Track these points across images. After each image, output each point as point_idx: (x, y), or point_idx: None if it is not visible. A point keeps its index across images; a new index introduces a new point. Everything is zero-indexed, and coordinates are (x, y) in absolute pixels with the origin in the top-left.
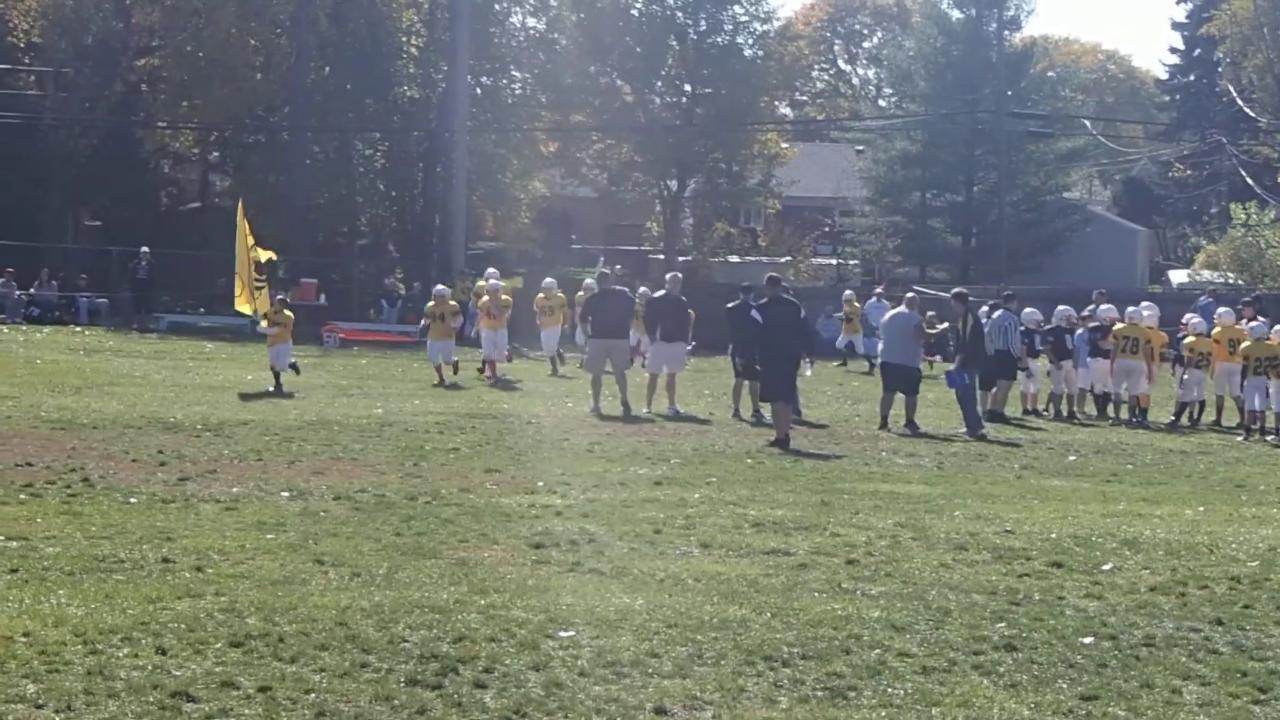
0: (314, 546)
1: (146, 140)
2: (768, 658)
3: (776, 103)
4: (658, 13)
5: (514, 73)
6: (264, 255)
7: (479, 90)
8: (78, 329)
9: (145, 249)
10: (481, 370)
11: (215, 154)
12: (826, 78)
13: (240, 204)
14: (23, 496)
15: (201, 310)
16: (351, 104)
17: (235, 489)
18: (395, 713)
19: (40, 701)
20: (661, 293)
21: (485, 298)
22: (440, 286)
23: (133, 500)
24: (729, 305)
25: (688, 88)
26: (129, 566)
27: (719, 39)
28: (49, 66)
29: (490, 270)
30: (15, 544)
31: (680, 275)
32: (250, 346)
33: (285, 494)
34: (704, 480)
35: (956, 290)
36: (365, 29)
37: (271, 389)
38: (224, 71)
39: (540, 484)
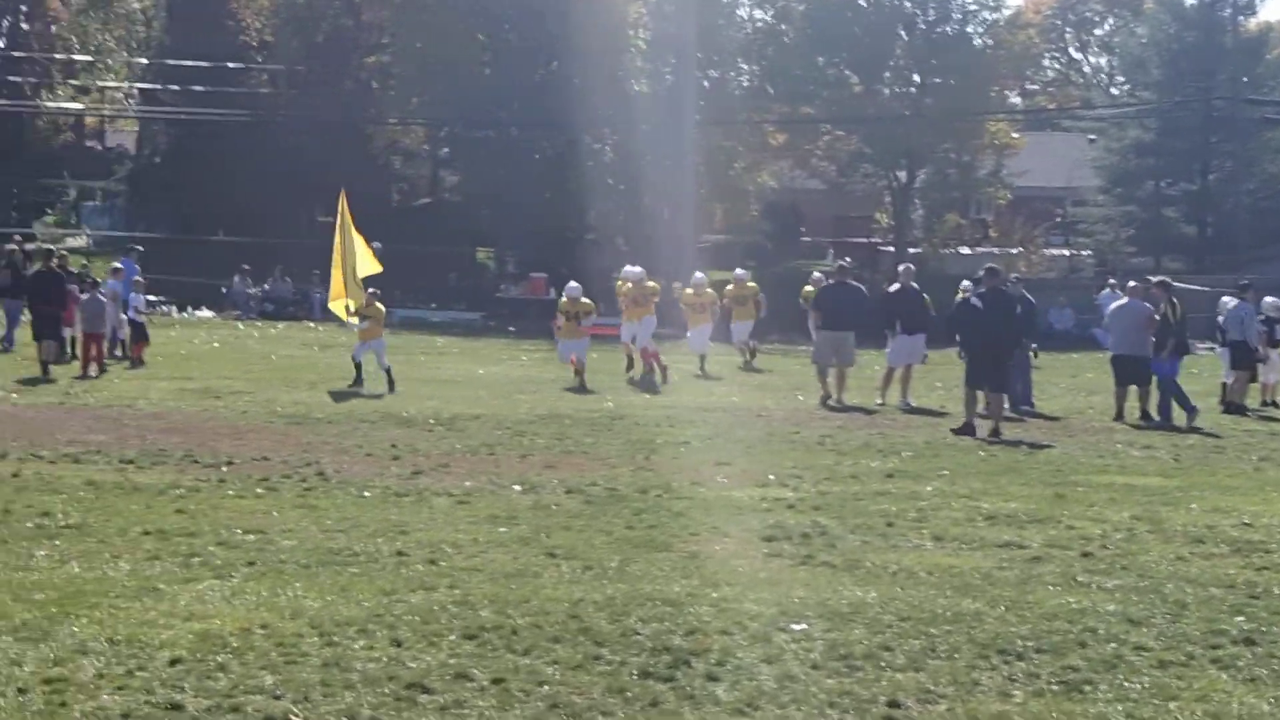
0: (546, 540)
1: (377, 137)
2: (1002, 651)
3: (1006, 92)
4: (885, 3)
5: (742, 65)
6: (372, 263)
7: (706, 83)
8: (311, 324)
9: (377, 244)
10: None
11: (445, 150)
12: (1057, 66)
13: (342, 195)
14: (259, 490)
15: (433, 305)
16: (579, 99)
17: (468, 483)
18: (628, 705)
19: (278, 692)
20: (896, 286)
21: (629, 285)
22: (573, 284)
23: (367, 494)
24: (959, 298)
25: (916, 78)
26: (364, 560)
27: (947, 28)
28: (281, 65)
29: (629, 268)
30: (252, 537)
31: (912, 266)
32: (482, 341)
33: (517, 487)
34: (936, 473)
35: (1159, 279)
36: (592, 24)
37: (351, 384)
38: (452, 68)
39: (771, 477)
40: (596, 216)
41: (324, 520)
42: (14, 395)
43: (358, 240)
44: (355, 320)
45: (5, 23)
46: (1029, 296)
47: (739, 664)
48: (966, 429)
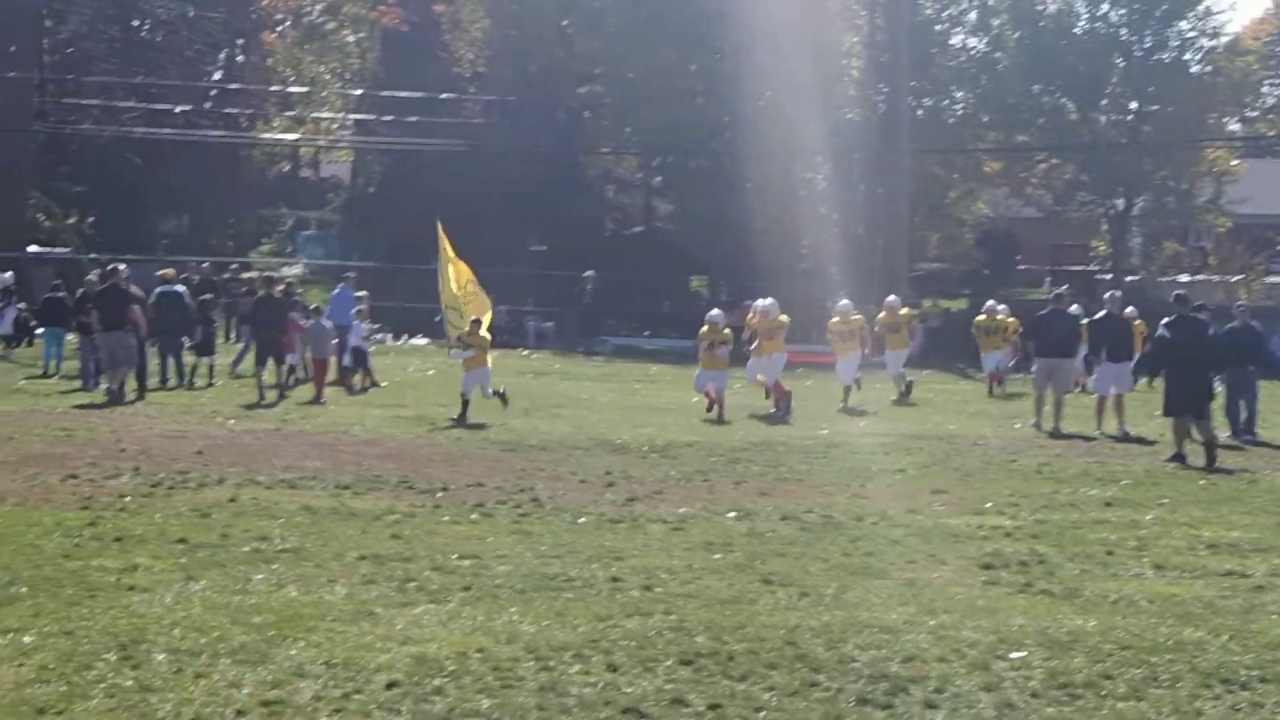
0: (761, 566)
1: (590, 166)
2: (1225, 680)
3: (1225, 119)
4: (1101, 30)
5: (955, 93)
6: (478, 301)
7: (920, 111)
8: (525, 352)
9: (590, 272)
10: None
11: (658, 179)
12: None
13: (440, 225)
14: (474, 516)
15: (646, 333)
16: (792, 127)
17: (682, 509)
18: None
19: (495, 716)
20: (1103, 313)
21: (755, 318)
22: (715, 312)
23: (581, 520)
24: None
25: (1133, 105)
26: (579, 585)
27: (1164, 56)
28: (493, 95)
29: (760, 301)
30: (468, 562)
31: (1119, 294)
32: (695, 369)
33: (732, 514)
34: (1156, 501)
35: None
36: (805, 53)
37: (455, 418)
38: (665, 97)
39: (989, 504)
40: (809, 245)
41: (539, 546)
42: (231, 421)
43: (457, 272)
44: (459, 350)
45: (222, 55)
46: (1254, 324)
47: (957, 692)
48: (1177, 458)
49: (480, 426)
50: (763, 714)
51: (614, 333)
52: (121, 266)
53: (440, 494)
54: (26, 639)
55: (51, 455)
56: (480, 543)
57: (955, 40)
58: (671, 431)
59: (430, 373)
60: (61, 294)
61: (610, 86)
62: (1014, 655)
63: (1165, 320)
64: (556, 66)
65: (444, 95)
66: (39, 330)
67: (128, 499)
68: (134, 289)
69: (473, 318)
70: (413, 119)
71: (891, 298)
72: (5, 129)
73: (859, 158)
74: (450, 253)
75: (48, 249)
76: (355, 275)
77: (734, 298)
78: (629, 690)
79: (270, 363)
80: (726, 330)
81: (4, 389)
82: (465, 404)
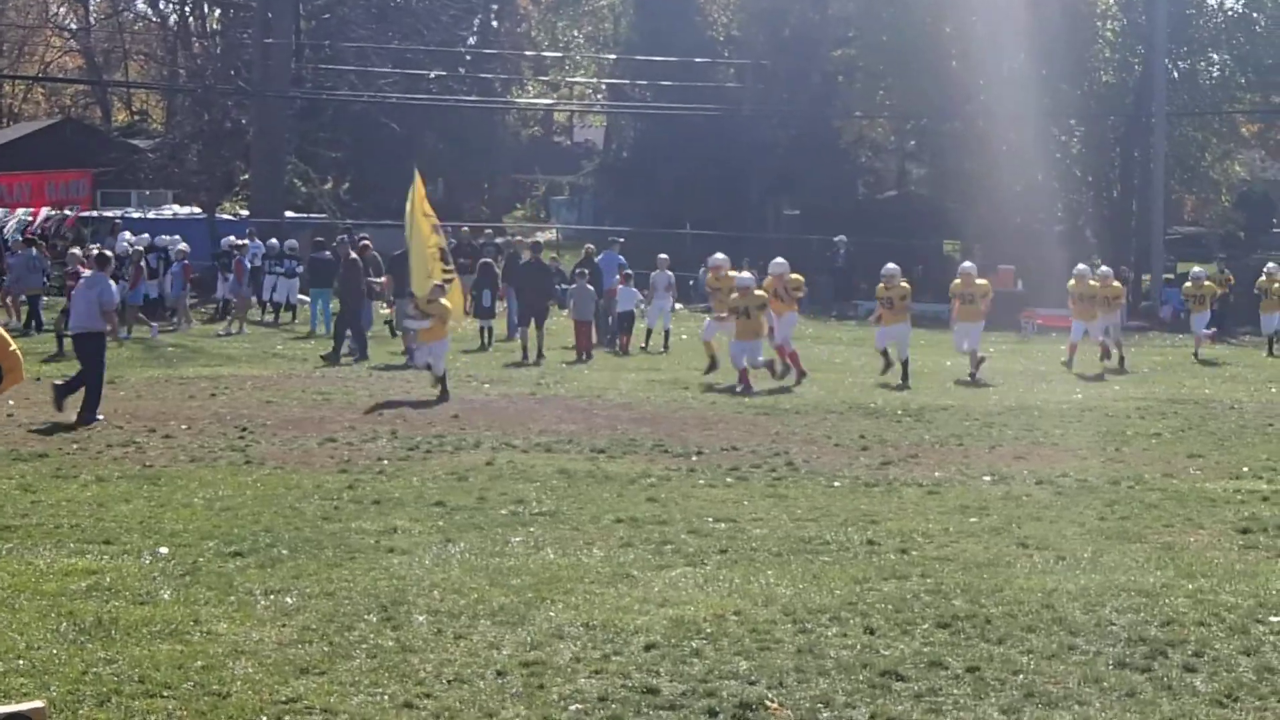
0: (1017, 530)
1: (844, 130)
2: None
3: None
4: None
5: (1212, 55)
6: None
7: (1176, 74)
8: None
9: (843, 237)
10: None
11: (912, 143)
12: None
13: (417, 173)
14: (729, 480)
15: None
16: (1047, 90)
17: (937, 473)
18: (1104, 695)
19: (753, 678)
20: None
21: (770, 279)
22: (745, 275)
23: (836, 484)
24: None
25: None
26: (834, 548)
27: None
28: (748, 59)
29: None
30: (724, 525)
31: None
32: (950, 334)
33: (987, 478)
34: None
35: None
36: (1061, 14)
37: (437, 394)
38: (919, 60)
39: (1245, 469)
40: (1064, 208)
41: (794, 509)
42: (486, 385)
43: (424, 232)
44: (416, 318)
45: (476, 21)
46: None
47: (1216, 655)
48: None
49: (728, 391)
50: (1020, 677)
51: (867, 297)
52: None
53: (695, 458)
54: (289, 600)
55: (310, 419)
56: (735, 506)
57: (1212, 2)
58: (925, 395)
59: (684, 337)
60: (327, 254)
61: (864, 50)
62: (1273, 619)
63: None
64: (810, 30)
65: (698, 59)
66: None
67: (385, 462)
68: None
69: (436, 282)
70: (666, 83)
71: (966, 264)
72: (265, 94)
73: (1114, 120)
74: (424, 208)
75: (304, 214)
76: (622, 240)
77: (988, 261)
78: (886, 653)
79: (532, 324)
80: (759, 292)
81: (264, 353)
82: (442, 381)
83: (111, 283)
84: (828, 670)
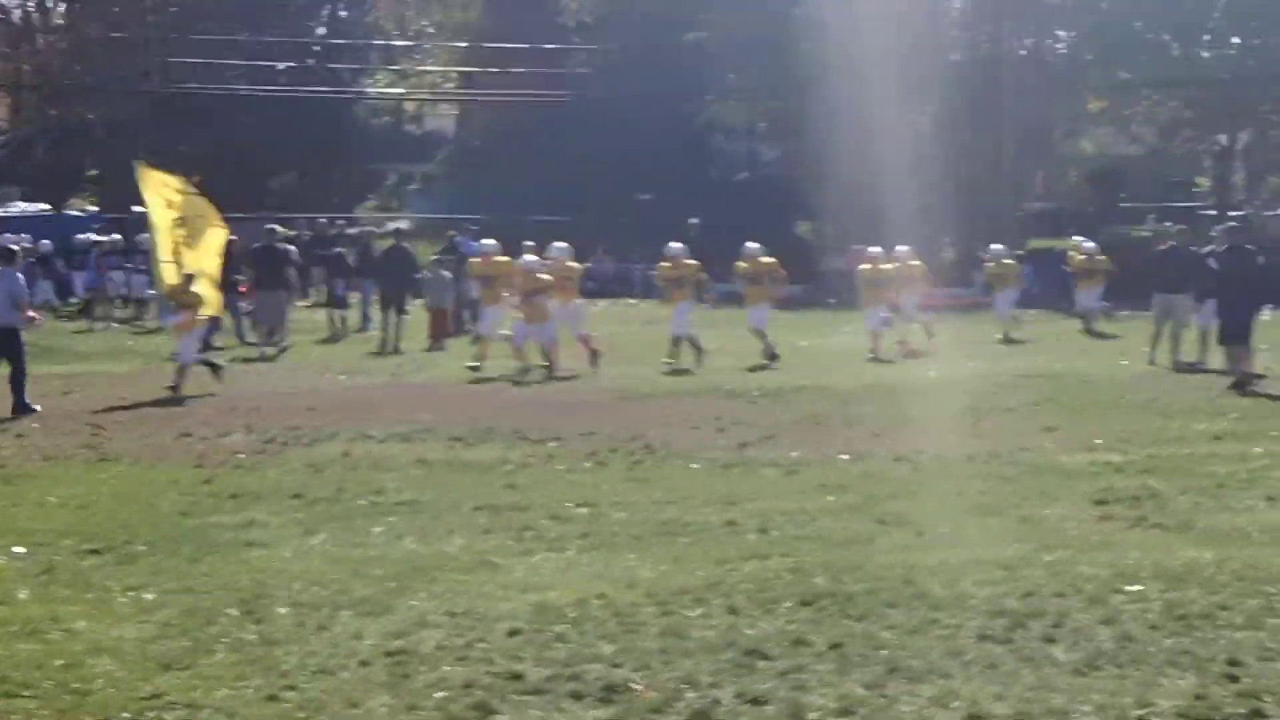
0: (876, 507)
1: (696, 114)
2: None
3: None
4: None
5: (1058, 32)
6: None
7: (1023, 51)
8: (632, 301)
9: (694, 220)
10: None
11: (763, 124)
12: None
13: (141, 166)
14: (588, 465)
15: None
16: (896, 70)
17: (794, 453)
18: (966, 667)
19: (617, 661)
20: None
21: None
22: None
23: (694, 466)
24: None
25: (1236, 39)
26: (695, 530)
27: None
28: (597, 45)
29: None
30: (584, 510)
31: (1185, 228)
32: (802, 314)
33: (844, 457)
34: (1265, 434)
35: None
36: None
37: (216, 380)
38: (770, 43)
39: (1099, 441)
40: (916, 187)
41: (653, 492)
42: (342, 376)
43: (163, 218)
44: (171, 311)
45: (325, 10)
46: None
47: (1076, 625)
48: (1244, 383)
49: (571, 377)
50: (884, 652)
51: (721, 279)
52: (278, 229)
53: (553, 443)
54: (148, 596)
55: (164, 414)
56: (595, 490)
57: None
58: (781, 376)
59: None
60: None
61: (714, 33)
62: (1130, 588)
63: (1217, 251)
64: (660, 15)
65: (548, 46)
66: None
67: (241, 456)
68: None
69: (187, 271)
70: (517, 70)
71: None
72: (114, 90)
73: (964, 99)
74: (167, 197)
75: None
76: (475, 228)
77: (840, 241)
78: (750, 632)
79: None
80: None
81: (117, 349)
82: (214, 367)
83: (20, 276)
84: (692, 651)
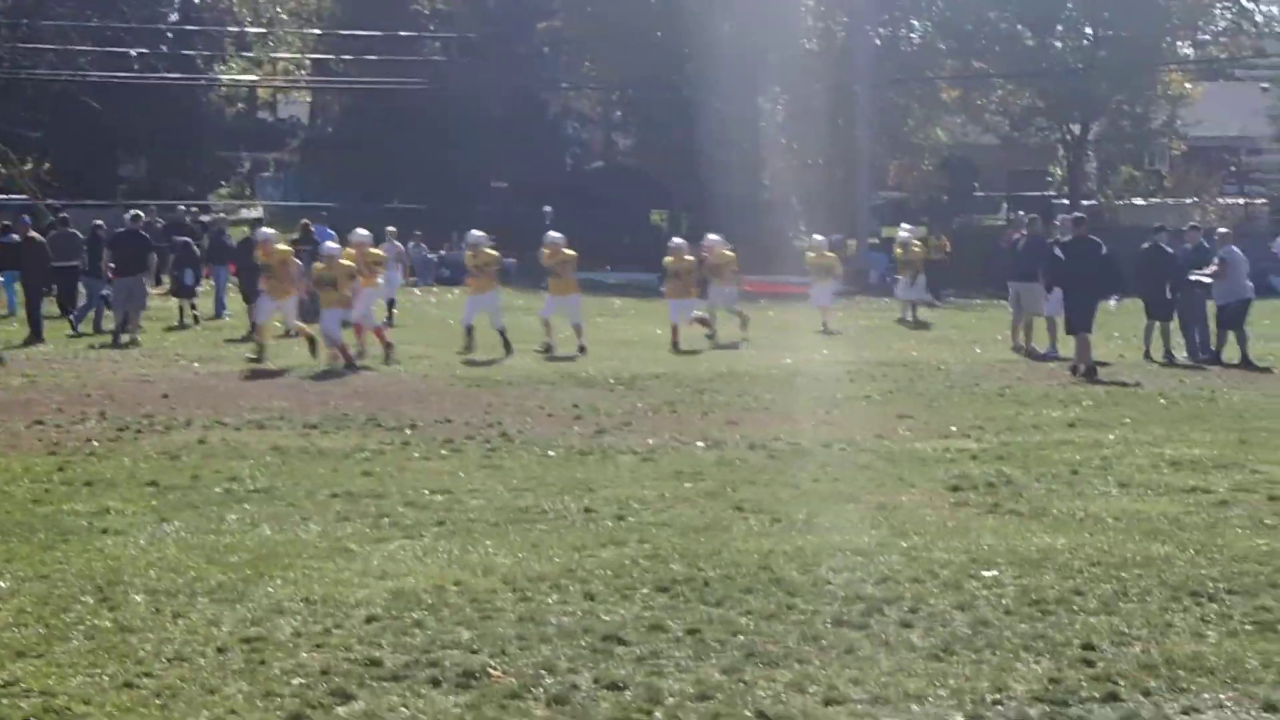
0: (732, 494)
1: (550, 102)
2: (1193, 593)
3: (1178, 42)
4: None
5: (913, 22)
6: None
7: (878, 40)
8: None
9: (548, 208)
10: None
11: (618, 113)
12: (1230, 15)
13: None
14: (444, 452)
15: (608, 267)
16: (752, 59)
17: (651, 440)
18: (823, 653)
19: (475, 647)
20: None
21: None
22: (677, 241)
23: (551, 453)
24: (1143, 247)
25: (1089, 30)
26: (552, 517)
27: None
28: (453, 33)
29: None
30: (440, 497)
31: (1036, 217)
32: (658, 302)
33: (700, 444)
34: (1118, 421)
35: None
36: None
37: None
38: (626, 31)
39: (953, 428)
40: (771, 177)
41: (510, 479)
42: (196, 364)
43: None
44: None
45: None
46: (1207, 245)
47: (932, 611)
48: (1088, 372)
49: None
50: (740, 637)
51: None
52: (141, 214)
53: (409, 431)
54: (1, 584)
55: (16, 402)
56: (451, 478)
57: None
58: (636, 364)
59: (395, 311)
60: (14, 236)
61: (570, 21)
62: (986, 574)
63: (1063, 241)
64: (516, 3)
65: (403, 33)
66: None
67: (95, 443)
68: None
69: None
70: (372, 58)
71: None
72: None
73: (819, 88)
74: None
75: (4, 195)
76: (325, 215)
77: (695, 230)
78: (607, 618)
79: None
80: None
81: None
82: None
83: None
84: (549, 637)
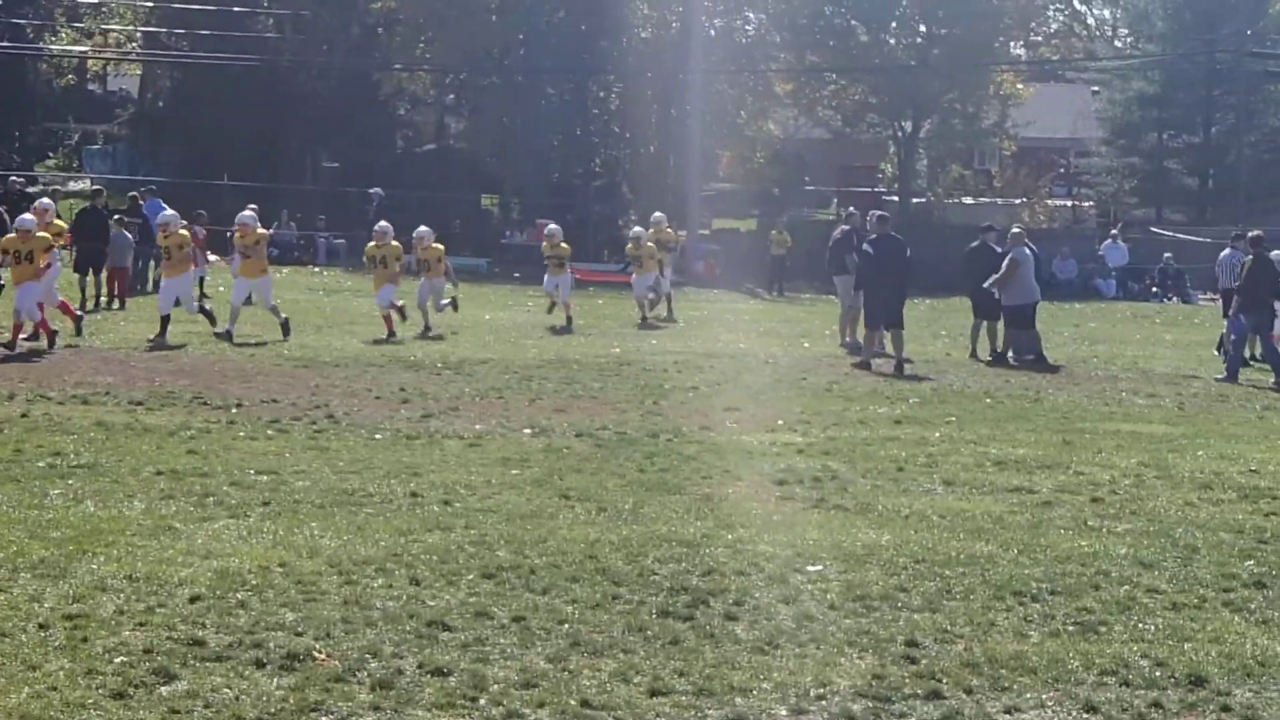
0: (559, 482)
1: (384, 83)
2: (1016, 593)
3: (1011, 43)
4: None
5: (748, 13)
6: None
7: (713, 31)
8: (316, 269)
9: (378, 190)
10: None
11: (451, 96)
12: (1061, 18)
13: None
14: (270, 432)
15: None
16: (586, 45)
17: (478, 426)
18: (649, 643)
19: (300, 629)
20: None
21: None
22: (552, 226)
23: (378, 436)
24: (970, 246)
25: (923, 28)
26: (378, 500)
27: None
28: (287, 9)
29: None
30: (265, 478)
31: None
32: (488, 287)
33: (528, 431)
34: (944, 419)
35: (1252, 234)
36: None
37: None
38: (459, 14)
39: (780, 422)
40: (602, 163)
41: (336, 462)
42: (22, 337)
43: None
44: None
45: None
46: (1031, 246)
47: (757, 604)
48: (864, 365)
49: (262, 343)
50: (566, 626)
51: (406, 250)
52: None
53: (235, 410)
54: None
55: None
56: (277, 458)
57: None
58: (464, 349)
59: (220, 289)
60: None
61: (404, 2)
62: (811, 568)
63: (870, 238)
64: None
65: (236, 9)
66: None
67: None
68: None
69: None
70: (204, 32)
71: (552, 226)
72: None
73: (651, 76)
74: None
75: None
76: (154, 189)
77: (526, 215)
78: (433, 603)
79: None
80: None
81: None
82: None
83: None
84: (374, 621)
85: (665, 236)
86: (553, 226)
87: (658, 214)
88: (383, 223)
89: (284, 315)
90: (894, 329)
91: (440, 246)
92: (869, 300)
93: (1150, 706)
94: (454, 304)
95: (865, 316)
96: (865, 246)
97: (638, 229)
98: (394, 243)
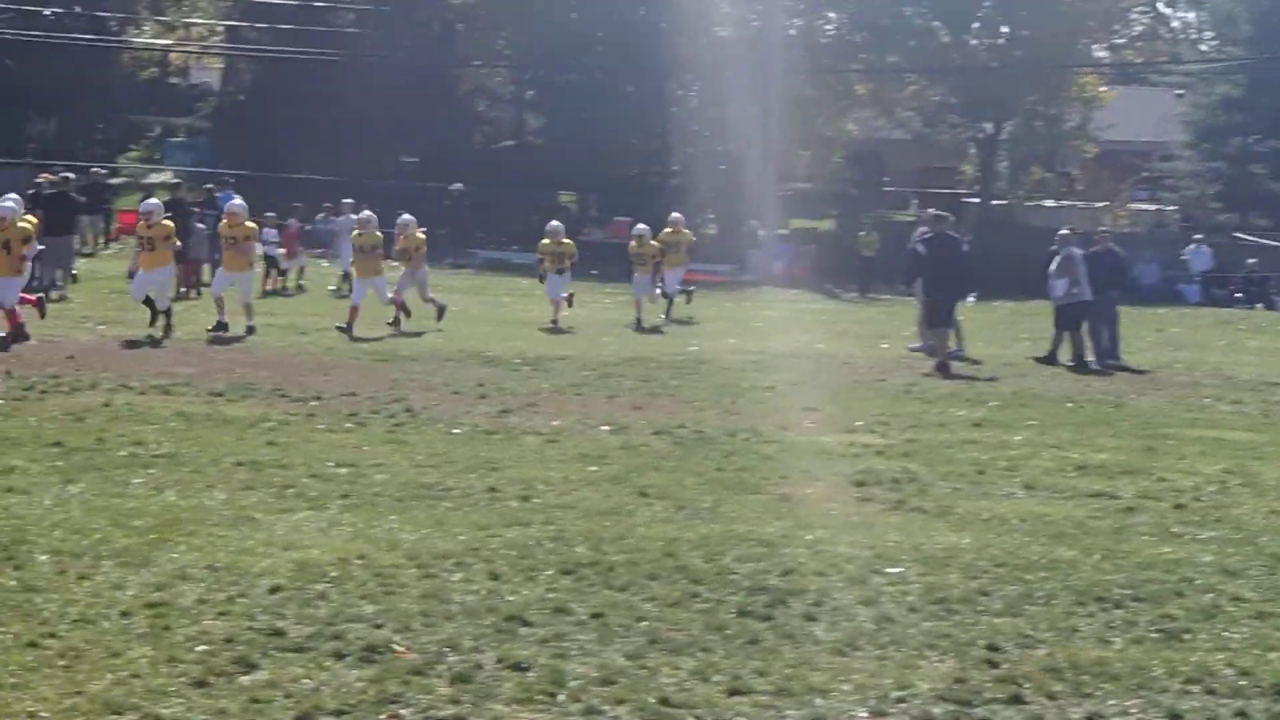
0: (637, 479)
1: (462, 79)
2: (1099, 599)
3: (1094, 45)
4: None
5: (828, 14)
6: None
7: (793, 31)
8: (394, 264)
9: (458, 185)
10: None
11: (530, 93)
12: (1146, 20)
13: None
14: (349, 425)
15: (515, 247)
16: (665, 43)
17: (556, 422)
18: (728, 642)
19: (379, 622)
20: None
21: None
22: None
23: (456, 431)
24: (1052, 249)
25: (1005, 29)
26: (457, 494)
27: None
28: (368, 4)
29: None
30: (345, 470)
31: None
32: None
33: (605, 428)
34: (1024, 423)
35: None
36: None
37: None
38: (538, 10)
39: (859, 423)
40: (680, 162)
41: (414, 455)
42: (102, 327)
43: None
44: None
45: None
46: (1117, 249)
47: (836, 605)
48: (943, 367)
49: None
50: (644, 624)
51: (483, 246)
52: (71, 175)
53: (314, 402)
54: None
55: None
56: (356, 451)
57: None
58: (542, 345)
59: (301, 283)
60: None
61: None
62: (891, 570)
63: (923, 238)
64: None
65: (317, 3)
66: None
67: (0, 402)
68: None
69: None
70: (285, 26)
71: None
72: None
73: (730, 75)
74: None
75: None
76: (233, 182)
77: (603, 213)
78: (512, 598)
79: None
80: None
81: None
82: None
83: None
84: (453, 614)
85: (680, 238)
86: (641, 226)
87: (675, 214)
88: (406, 215)
89: (254, 319)
90: (939, 327)
91: (422, 236)
92: (925, 301)
93: (1236, 716)
94: (569, 300)
95: (924, 316)
96: (918, 245)
97: (640, 226)
98: (376, 233)
